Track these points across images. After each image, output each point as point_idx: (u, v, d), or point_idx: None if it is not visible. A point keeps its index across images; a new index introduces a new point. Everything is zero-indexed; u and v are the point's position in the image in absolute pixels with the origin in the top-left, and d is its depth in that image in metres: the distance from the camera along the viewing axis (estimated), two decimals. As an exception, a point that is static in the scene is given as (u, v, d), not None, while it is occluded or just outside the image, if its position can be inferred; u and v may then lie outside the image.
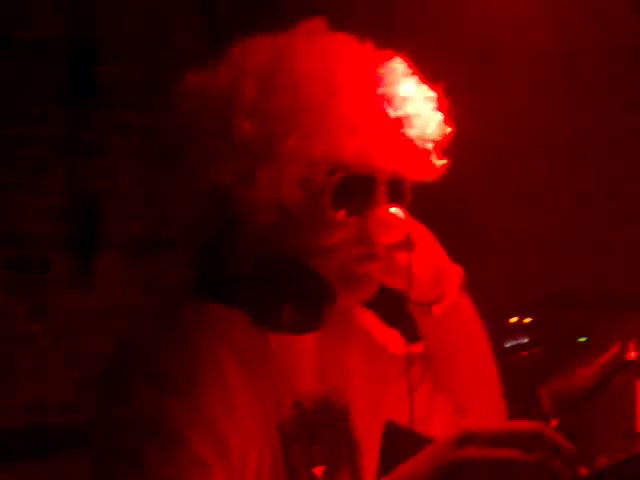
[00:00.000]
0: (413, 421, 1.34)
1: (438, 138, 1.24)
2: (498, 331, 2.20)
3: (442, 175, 1.27)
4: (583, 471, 0.94)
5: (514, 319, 2.22)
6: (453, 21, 2.80)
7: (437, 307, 1.38)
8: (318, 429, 1.23)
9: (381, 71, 1.20)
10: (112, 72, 3.33)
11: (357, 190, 1.15)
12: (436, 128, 1.23)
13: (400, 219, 1.19)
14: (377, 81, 1.18)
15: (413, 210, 1.31)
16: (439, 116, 1.24)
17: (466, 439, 0.93)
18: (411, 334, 1.44)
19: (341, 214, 1.15)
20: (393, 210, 1.18)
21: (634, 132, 2.96)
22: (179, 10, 3.16)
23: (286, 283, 1.17)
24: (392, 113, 1.17)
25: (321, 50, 1.17)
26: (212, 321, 1.17)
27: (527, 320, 2.19)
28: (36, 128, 3.27)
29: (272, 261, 1.17)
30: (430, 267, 1.35)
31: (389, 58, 1.24)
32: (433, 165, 1.25)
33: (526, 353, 2.12)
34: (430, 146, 1.23)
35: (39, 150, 3.26)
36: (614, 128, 2.93)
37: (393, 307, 1.38)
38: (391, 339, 1.45)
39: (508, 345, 2.13)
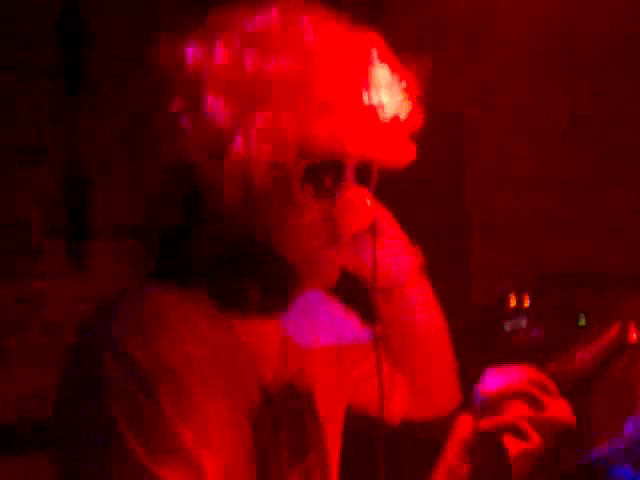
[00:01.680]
0: (373, 406, 1.35)
1: (409, 125, 1.21)
2: (498, 314, 2.19)
3: (411, 163, 1.24)
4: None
5: (513, 302, 2.21)
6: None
7: (397, 291, 1.38)
8: (284, 414, 1.22)
9: (358, 52, 1.16)
10: (100, 58, 3.31)
11: (326, 173, 1.13)
12: (408, 115, 1.21)
13: (367, 204, 1.17)
14: (353, 62, 1.14)
15: (384, 195, 1.29)
16: (412, 103, 1.21)
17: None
18: (368, 316, 1.44)
19: (309, 197, 1.12)
20: (360, 195, 1.16)
21: (633, 115, 2.93)
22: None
23: (252, 266, 1.15)
24: (365, 97, 1.13)
25: (297, 26, 1.13)
26: (175, 305, 1.14)
27: (526, 303, 2.18)
28: (24, 114, 3.24)
29: (238, 243, 1.14)
30: (393, 252, 1.35)
31: (368, 37, 1.20)
32: (403, 152, 1.22)
33: (525, 336, 2.10)
34: (401, 133, 1.20)
35: (28, 137, 3.24)
36: (614, 110, 2.91)
37: (351, 289, 1.35)
38: (354, 324, 1.45)
39: (507, 328, 2.12)
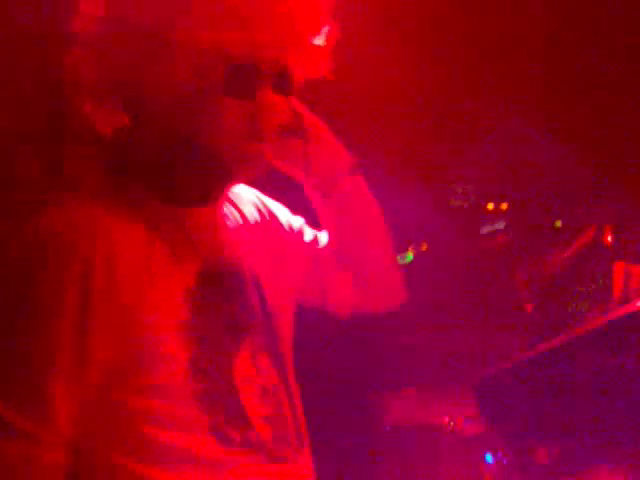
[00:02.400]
0: (323, 298, 1.50)
1: (325, 38, 1.33)
2: (475, 217, 2.21)
3: (330, 72, 1.35)
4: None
5: (491, 205, 2.23)
6: None
7: (333, 189, 1.50)
8: (227, 292, 1.34)
9: None
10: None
11: (245, 77, 1.27)
12: (323, 27, 1.32)
13: (285, 104, 1.31)
14: None
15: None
16: (327, 15, 1.32)
17: None
18: (313, 217, 1.55)
19: (231, 98, 1.26)
20: (276, 95, 1.29)
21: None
22: None
23: (185, 162, 1.30)
24: (280, 8, 1.26)
25: None
26: (124, 202, 1.27)
27: (504, 206, 2.20)
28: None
29: (172, 143, 1.28)
30: (325, 151, 1.48)
31: None
32: (318, 60, 1.34)
33: (503, 238, 2.13)
34: (317, 42, 1.32)
35: None
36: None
37: (295, 193, 1.50)
38: (293, 222, 1.57)
39: (485, 230, 2.15)
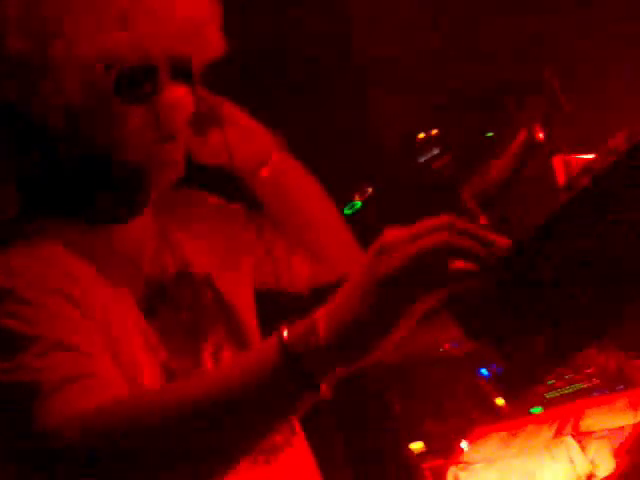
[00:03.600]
0: (278, 279, 1.49)
1: (210, 17, 1.27)
2: (409, 149, 2.24)
3: (224, 51, 1.30)
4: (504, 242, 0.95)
5: (421, 135, 2.26)
6: None
7: (263, 170, 1.47)
8: (180, 298, 1.32)
9: None
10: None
11: (140, 78, 1.19)
12: (205, 7, 1.26)
13: (188, 95, 1.24)
14: None
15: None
16: None
17: (383, 248, 0.94)
18: (254, 204, 1.54)
19: (126, 105, 1.19)
20: (176, 89, 1.23)
21: None
22: None
23: (95, 178, 1.23)
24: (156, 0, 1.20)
25: None
26: (48, 232, 1.22)
27: (434, 132, 2.23)
28: None
29: (78, 163, 1.22)
30: (244, 136, 1.43)
31: None
32: (211, 42, 1.28)
33: (440, 163, 2.16)
34: (202, 24, 1.26)
35: None
36: None
37: (229, 184, 1.48)
38: (234, 211, 1.55)
39: (422, 160, 2.17)
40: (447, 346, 2.00)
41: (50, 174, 1.23)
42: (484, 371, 1.80)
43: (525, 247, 0.90)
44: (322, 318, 0.94)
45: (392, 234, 0.94)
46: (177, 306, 1.31)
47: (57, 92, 1.14)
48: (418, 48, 2.68)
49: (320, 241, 1.57)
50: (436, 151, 2.16)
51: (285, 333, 0.94)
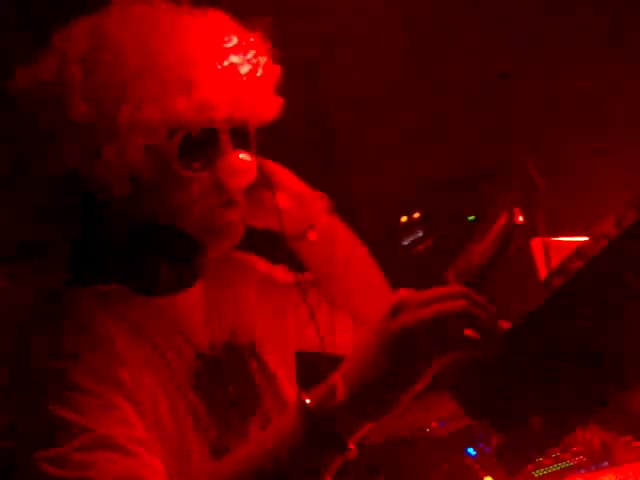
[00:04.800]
0: (323, 343, 1.46)
1: (267, 80, 1.29)
2: (393, 233, 2.30)
3: (278, 114, 1.32)
4: (505, 325, 1.01)
5: (404, 218, 2.32)
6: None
7: (311, 234, 1.47)
8: (227, 371, 1.31)
9: (203, 28, 1.24)
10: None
11: (202, 144, 1.20)
12: (263, 71, 1.28)
13: (247, 162, 1.24)
14: (199, 38, 1.22)
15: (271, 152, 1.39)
16: (265, 59, 1.29)
17: (399, 308, 0.99)
18: (299, 266, 1.54)
19: (190, 170, 1.20)
20: (239, 155, 1.23)
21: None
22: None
23: (155, 247, 1.22)
24: (219, 65, 1.21)
25: (135, 19, 1.21)
26: (99, 301, 1.20)
27: (416, 215, 2.29)
28: None
29: (138, 230, 1.21)
30: (294, 200, 1.43)
31: (209, 16, 1.28)
32: (268, 106, 1.31)
33: (423, 245, 2.21)
34: (260, 88, 1.28)
35: None
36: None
37: (274, 246, 1.47)
38: (279, 274, 1.55)
39: (406, 242, 2.22)
40: (434, 425, 2.02)
41: (106, 240, 1.23)
42: (471, 450, 1.83)
43: (523, 327, 0.94)
44: (340, 380, 0.98)
45: (407, 295, 0.98)
46: (225, 379, 1.30)
47: (121, 156, 1.14)
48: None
49: (364, 303, 1.57)
50: (419, 234, 2.21)
51: (307, 400, 0.98)
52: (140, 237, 1.21)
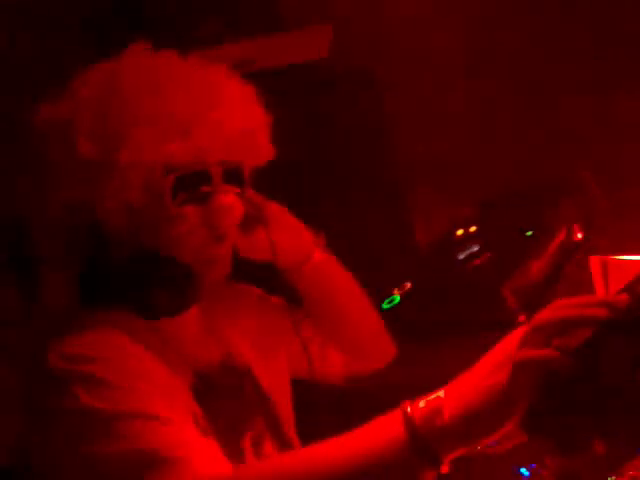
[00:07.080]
0: (312, 373, 1.56)
1: (260, 127, 1.40)
2: (448, 246, 2.27)
3: (273, 157, 1.43)
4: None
5: (460, 231, 2.29)
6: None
7: (305, 268, 1.56)
8: (223, 388, 1.39)
9: (203, 79, 1.35)
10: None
11: (194, 183, 1.30)
12: (257, 119, 1.39)
13: (237, 201, 1.35)
14: (199, 89, 1.33)
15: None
16: (259, 108, 1.40)
17: (534, 333, 0.94)
18: (294, 299, 1.62)
19: (182, 207, 1.30)
20: (230, 194, 1.34)
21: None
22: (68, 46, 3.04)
23: (150, 275, 1.32)
24: (215, 112, 1.31)
25: (144, 70, 1.32)
26: (109, 325, 1.30)
27: (473, 229, 2.26)
28: None
29: (137, 258, 1.32)
30: (288, 235, 1.52)
31: (213, 68, 1.39)
32: (261, 153, 1.41)
33: (479, 260, 2.18)
34: (254, 137, 1.38)
35: None
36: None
37: (271, 279, 1.57)
38: (275, 304, 1.64)
39: (461, 257, 2.20)
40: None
41: (109, 269, 1.34)
42: (524, 470, 1.79)
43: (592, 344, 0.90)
44: (448, 398, 0.97)
45: (544, 319, 0.95)
46: (222, 395, 1.37)
47: (120, 191, 1.25)
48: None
49: (355, 335, 1.65)
50: (475, 248, 2.19)
51: (409, 409, 0.98)
52: (139, 265, 1.32)
